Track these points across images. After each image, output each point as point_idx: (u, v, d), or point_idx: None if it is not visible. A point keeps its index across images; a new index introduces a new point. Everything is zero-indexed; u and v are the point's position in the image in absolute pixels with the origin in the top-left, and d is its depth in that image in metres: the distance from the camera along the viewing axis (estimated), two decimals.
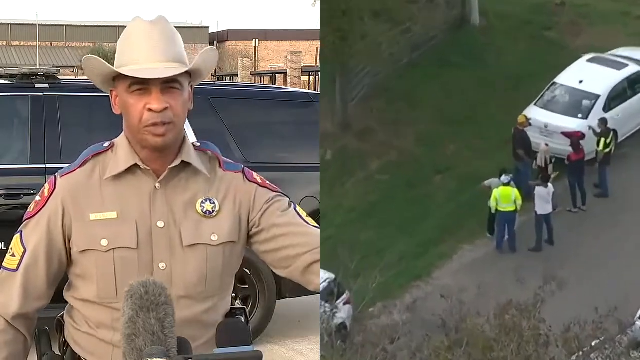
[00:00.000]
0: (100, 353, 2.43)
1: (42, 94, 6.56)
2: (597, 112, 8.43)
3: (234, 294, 2.60)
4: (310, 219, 2.50)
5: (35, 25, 58.68)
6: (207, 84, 7.40)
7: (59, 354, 2.54)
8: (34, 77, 6.68)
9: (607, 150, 8.30)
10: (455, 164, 8.46)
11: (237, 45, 59.78)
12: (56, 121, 6.50)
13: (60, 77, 6.92)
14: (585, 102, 8.47)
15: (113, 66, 2.37)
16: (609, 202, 8.24)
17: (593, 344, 6.46)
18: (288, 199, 2.53)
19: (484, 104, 8.77)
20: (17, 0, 68.20)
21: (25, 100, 6.56)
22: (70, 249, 2.41)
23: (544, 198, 7.99)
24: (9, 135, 6.80)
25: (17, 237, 2.45)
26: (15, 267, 2.41)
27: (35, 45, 57.60)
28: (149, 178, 2.41)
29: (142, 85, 2.31)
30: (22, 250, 2.41)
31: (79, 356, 2.48)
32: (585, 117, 8.44)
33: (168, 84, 2.32)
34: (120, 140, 2.45)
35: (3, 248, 6.05)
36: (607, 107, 8.48)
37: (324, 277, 7.03)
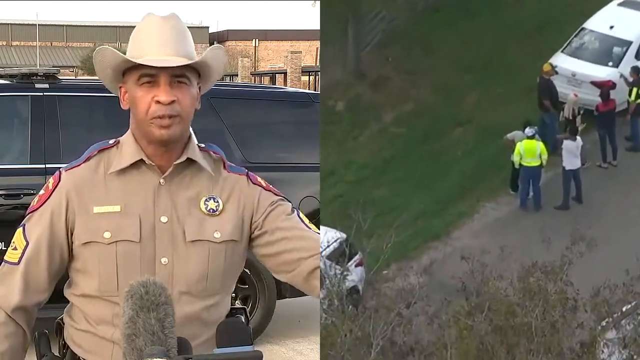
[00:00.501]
0: (100, 351, 2.49)
1: (42, 94, 6.77)
2: (629, 60, 8.33)
3: (234, 294, 2.70)
4: (312, 225, 2.59)
5: (35, 25, 61.57)
6: None
7: (59, 355, 2.61)
8: (34, 77, 6.88)
9: None
10: (475, 115, 8.38)
11: (237, 45, 62.14)
12: (56, 121, 6.70)
13: (60, 77, 7.12)
14: (616, 49, 8.38)
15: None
16: None
17: (624, 308, 6.39)
18: (291, 204, 2.62)
19: (504, 51, 8.72)
20: (17, 0, 69.43)
21: (25, 100, 6.76)
22: (72, 243, 2.49)
23: (571, 152, 7.88)
24: (9, 135, 7.01)
25: (19, 230, 2.53)
26: (17, 260, 2.50)
27: (35, 45, 60.38)
28: (153, 174, 2.50)
29: (151, 77, 2.41)
30: (25, 243, 2.50)
31: (79, 357, 2.54)
32: (616, 65, 8.35)
33: (177, 78, 2.42)
34: (126, 137, 2.54)
35: (3, 248, 6.17)
36: None
37: (335, 236, 7.10)
